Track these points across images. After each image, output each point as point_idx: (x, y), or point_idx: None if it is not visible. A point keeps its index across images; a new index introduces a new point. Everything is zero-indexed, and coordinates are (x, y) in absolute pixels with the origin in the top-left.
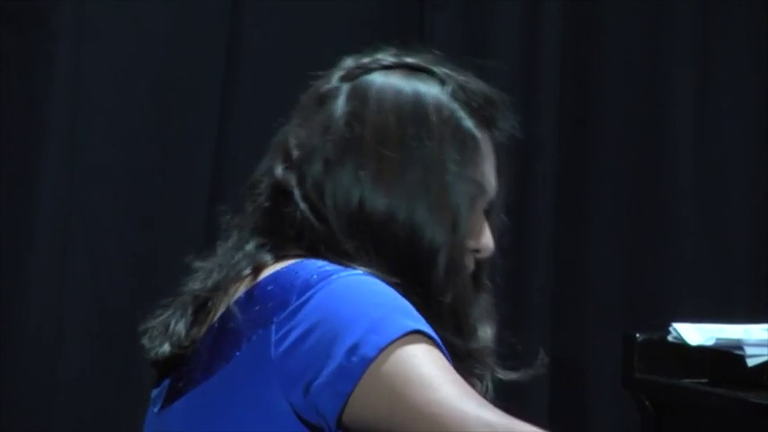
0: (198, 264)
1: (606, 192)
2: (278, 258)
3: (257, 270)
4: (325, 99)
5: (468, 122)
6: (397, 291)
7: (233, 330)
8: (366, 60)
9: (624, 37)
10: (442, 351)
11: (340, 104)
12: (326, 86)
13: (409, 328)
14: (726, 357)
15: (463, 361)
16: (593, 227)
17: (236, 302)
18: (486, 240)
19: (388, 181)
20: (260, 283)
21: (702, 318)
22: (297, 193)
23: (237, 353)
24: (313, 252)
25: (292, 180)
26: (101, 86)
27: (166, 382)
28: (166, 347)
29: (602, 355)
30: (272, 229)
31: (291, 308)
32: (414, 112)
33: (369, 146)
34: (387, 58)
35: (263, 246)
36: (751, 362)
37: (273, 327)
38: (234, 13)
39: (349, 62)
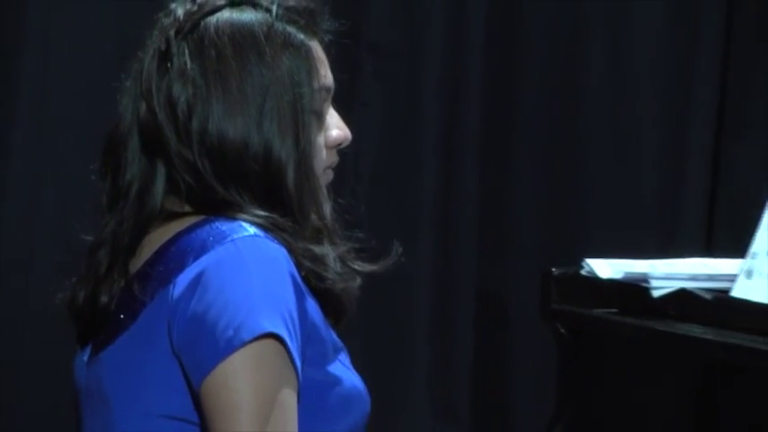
0: (105, 222)
1: (528, 136)
2: (174, 217)
3: (161, 231)
4: (167, 58)
5: (298, 35)
6: (271, 224)
7: (141, 289)
8: (195, 9)
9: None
10: (287, 349)
11: (184, 61)
12: (166, 46)
13: (263, 331)
14: (634, 289)
15: (326, 265)
16: (516, 170)
17: (145, 263)
18: (340, 131)
19: (236, 113)
20: (164, 244)
21: (613, 253)
22: (171, 152)
23: (144, 310)
24: (199, 207)
25: (165, 141)
26: (70, 39)
27: (86, 335)
28: (85, 304)
29: (524, 288)
30: (152, 192)
31: (188, 269)
32: (247, 42)
33: (215, 88)
34: (207, 2)
35: (147, 211)
36: (656, 293)
37: (171, 286)
38: None
39: (179, 12)
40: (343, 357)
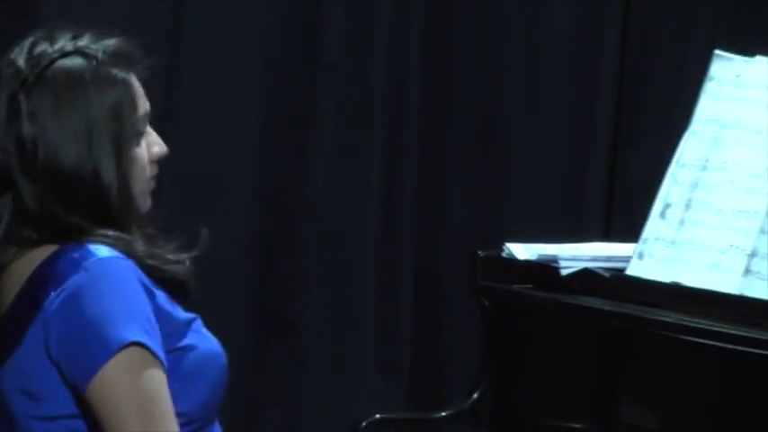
0: None
1: (459, 141)
2: (32, 245)
3: (22, 261)
4: (14, 104)
5: (119, 74)
6: (113, 240)
7: (21, 313)
8: (35, 62)
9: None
10: (150, 351)
11: (29, 105)
12: (13, 94)
13: (126, 341)
14: (545, 268)
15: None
16: (450, 169)
17: (16, 296)
18: (160, 147)
19: (70, 145)
20: (27, 279)
21: (529, 239)
22: (19, 185)
23: (25, 334)
24: (50, 234)
25: (13, 176)
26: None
27: None
28: None
29: (456, 266)
30: (9, 220)
31: (51, 296)
32: (77, 85)
33: (54, 126)
34: (50, 50)
35: (12, 236)
36: (564, 272)
37: (42, 312)
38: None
39: (20, 63)
40: (197, 326)
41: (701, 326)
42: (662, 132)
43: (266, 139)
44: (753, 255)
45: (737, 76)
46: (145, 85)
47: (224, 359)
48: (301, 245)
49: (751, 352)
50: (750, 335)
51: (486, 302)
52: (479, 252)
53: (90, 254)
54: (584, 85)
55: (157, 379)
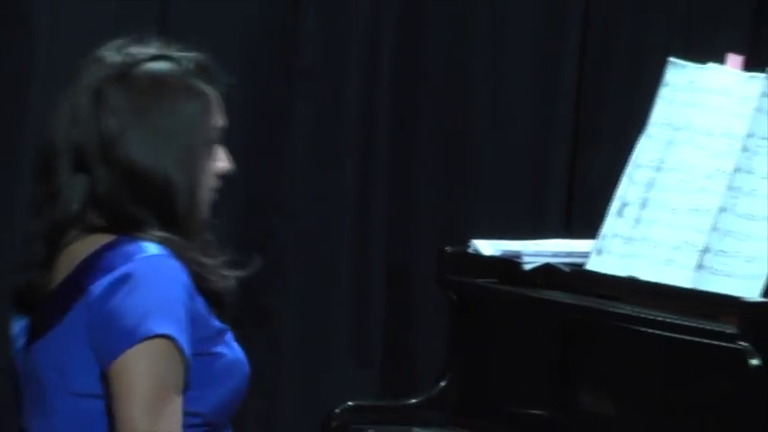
0: (31, 224)
1: (429, 142)
2: (92, 232)
3: (79, 244)
4: (100, 96)
5: (201, 85)
6: (167, 242)
7: (68, 294)
8: (124, 59)
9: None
10: (177, 345)
11: (114, 100)
12: (99, 84)
13: (157, 332)
14: (509, 263)
15: (207, 273)
16: (420, 169)
17: (68, 275)
18: (225, 163)
19: (149, 146)
20: (82, 261)
21: (494, 235)
22: (94, 172)
23: (68, 313)
24: (114, 224)
25: (91, 166)
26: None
27: (25, 322)
28: (23, 293)
29: (425, 262)
30: (80, 204)
31: (100, 281)
32: (162, 89)
33: (135, 124)
34: (140, 52)
35: (78, 220)
36: (527, 267)
37: (89, 295)
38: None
39: (109, 60)
40: (228, 337)
41: (656, 318)
42: (620, 135)
43: (245, 141)
44: (705, 251)
45: (690, 82)
46: (224, 100)
47: (247, 368)
48: (279, 242)
49: (703, 342)
50: (702, 326)
51: (454, 296)
52: (447, 248)
53: (141, 249)
54: (546, 89)
55: (177, 375)
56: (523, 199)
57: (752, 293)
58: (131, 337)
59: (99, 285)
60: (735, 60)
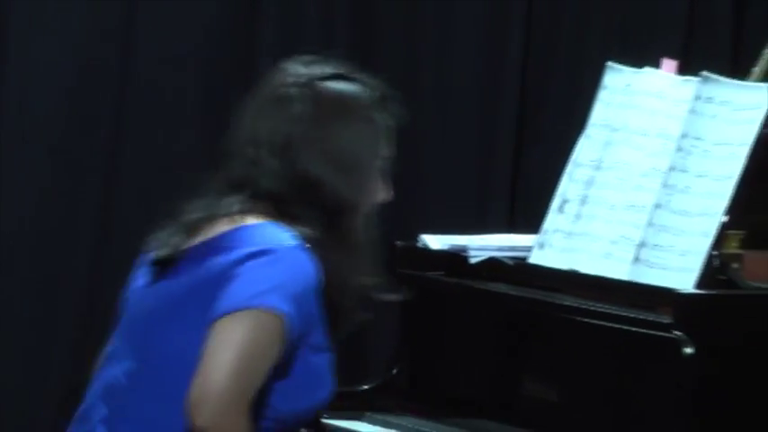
0: (192, 200)
1: None
2: (248, 212)
3: (232, 218)
4: (284, 99)
5: (381, 113)
6: (313, 241)
7: (210, 254)
8: (311, 71)
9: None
10: (286, 327)
11: (298, 105)
12: (284, 89)
13: (274, 306)
14: (456, 257)
15: (348, 292)
16: None
17: (215, 237)
18: (387, 193)
19: (321, 156)
20: (232, 229)
21: (441, 230)
22: (269, 165)
23: (208, 268)
24: (271, 212)
25: (263, 157)
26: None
27: (149, 267)
28: (165, 251)
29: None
30: (249, 187)
31: (242, 255)
32: (348, 108)
33: (316, 134)
34: (325, 69)
35: (238, 200)
36: (473, 260)
37: (229, 257)
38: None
39: (297, 69)
40: (328, 355)
41: (595, 308)
42: (561, 135)
43: (203, 145)
44: (641, 245)
45: (627, 85)
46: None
47: (330, 392)
48: None
49: (640, 332)
50: (639, 317)
51: (404, 287)
52: (397, 242)
53: (287, 237)
54: (492, 91)
55: (272, 355)
56: (470, 196)
57: (686, 285)
58: (251, 301)
59: (240, 251)
60: (669, 65)
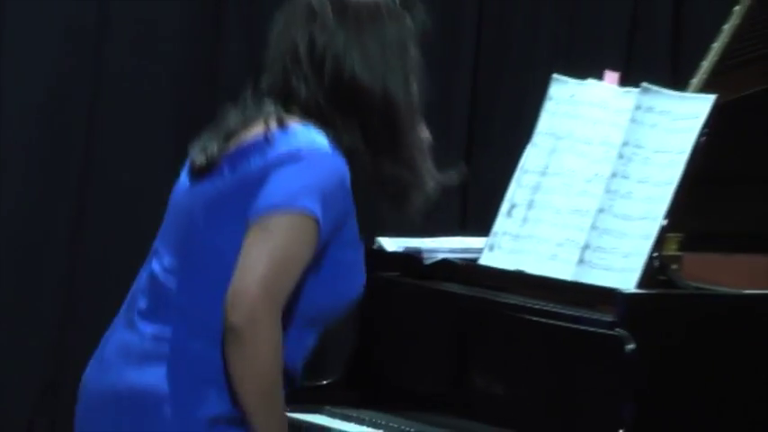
0: (230, 108)
1: None
2: (283, 117)
3: (267, 122)
4: (315, 11)
5: (404, 17)
6: (346, 145)
7: (245, 157)
8: None
9: None
10: (318, 228)
11: (328, 14)
12: (312, 5)
13: (305, 207)
14: (411, 259)
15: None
16: None
17: (250, 141)
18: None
19: (367, 63)
20: (271, 131)
21: (396, 233)
22: (304, 73)
23: (244, 170)
24: (306, 117)
25: (298, 67)
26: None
27: (194, 173)
28: (203, 158)
29: None
30: (284, 95)
31: (276, 156)
32: (376, 13)
33: (352, 40)
34: None
35: (276, 105)
36: (426, 261)
37: (266, 158)
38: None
39: None
40: (361, 249)
41: (541, 307)
42: (509, 143)
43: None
44: (585, 247)
45: (572, 96)
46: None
47: (364, 282)
48: None
49: (584, 329)
50: (583, 315)
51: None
52: None
53: (320, 139)
54: (443, 101)
55: (304, 256)
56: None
57: (627, 285)
58: (286, 203)
59: (274, 153)
60: (611, 77)
